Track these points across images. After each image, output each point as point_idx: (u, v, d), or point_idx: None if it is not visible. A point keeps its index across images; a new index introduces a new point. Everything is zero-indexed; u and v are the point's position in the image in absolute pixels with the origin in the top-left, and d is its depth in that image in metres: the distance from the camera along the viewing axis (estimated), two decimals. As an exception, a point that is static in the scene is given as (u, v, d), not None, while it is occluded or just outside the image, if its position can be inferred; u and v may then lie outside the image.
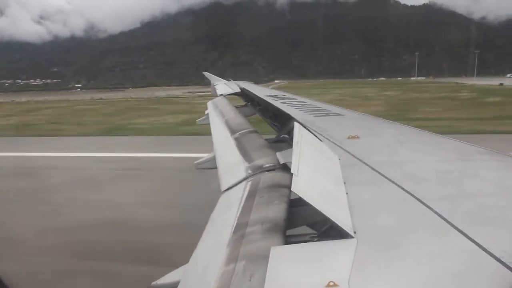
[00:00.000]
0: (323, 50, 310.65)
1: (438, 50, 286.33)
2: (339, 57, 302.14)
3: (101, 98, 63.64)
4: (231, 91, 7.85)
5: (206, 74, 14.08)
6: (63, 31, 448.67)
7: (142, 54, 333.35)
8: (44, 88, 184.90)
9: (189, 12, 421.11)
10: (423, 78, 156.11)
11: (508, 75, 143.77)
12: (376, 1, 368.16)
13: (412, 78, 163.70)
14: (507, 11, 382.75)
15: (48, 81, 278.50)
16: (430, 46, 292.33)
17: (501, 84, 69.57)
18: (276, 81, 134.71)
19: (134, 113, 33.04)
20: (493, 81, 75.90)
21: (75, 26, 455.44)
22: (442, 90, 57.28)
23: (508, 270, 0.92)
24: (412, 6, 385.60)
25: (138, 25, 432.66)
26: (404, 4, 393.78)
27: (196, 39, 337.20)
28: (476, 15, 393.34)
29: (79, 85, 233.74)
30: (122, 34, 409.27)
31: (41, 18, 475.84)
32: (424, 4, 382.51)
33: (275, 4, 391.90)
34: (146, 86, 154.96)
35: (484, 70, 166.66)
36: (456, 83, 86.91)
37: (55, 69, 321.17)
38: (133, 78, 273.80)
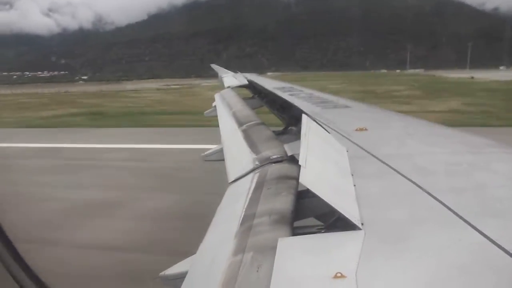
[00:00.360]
0: (328, 42, 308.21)
1: (444, 41, 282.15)
2: (344, 49, 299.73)
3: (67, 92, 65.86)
4: (238, 83, 7.85)
5: (213, 66, 14.07)
6: (72, 24, 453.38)
7: (148, 46, 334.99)
8: (50, 80, 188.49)
9: (196, 4, 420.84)
10: (421, 70, 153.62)
11: (501, 67, 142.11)
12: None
13: (409, 71, 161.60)
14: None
15: (56, 73, 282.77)
16: (437, 38, 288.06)
17: (472, 77, 70.78)
18: (269, 73, 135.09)
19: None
20: (478, 74, 75.80)
21: (83, 18, 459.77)
22: (396, 82, 59.69)
23: None
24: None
25: (145, 17, 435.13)
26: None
27: (202, 31, 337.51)
28: (488, 6, 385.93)
29: (85, 77, 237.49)
30: (129, 26, 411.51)
31: (50, 11, 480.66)
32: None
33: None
34: (151, 78, 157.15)
35: (487, 62, 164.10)
36: (433, 75, 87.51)
37: (62, 61, 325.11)
38: (138, 70, 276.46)
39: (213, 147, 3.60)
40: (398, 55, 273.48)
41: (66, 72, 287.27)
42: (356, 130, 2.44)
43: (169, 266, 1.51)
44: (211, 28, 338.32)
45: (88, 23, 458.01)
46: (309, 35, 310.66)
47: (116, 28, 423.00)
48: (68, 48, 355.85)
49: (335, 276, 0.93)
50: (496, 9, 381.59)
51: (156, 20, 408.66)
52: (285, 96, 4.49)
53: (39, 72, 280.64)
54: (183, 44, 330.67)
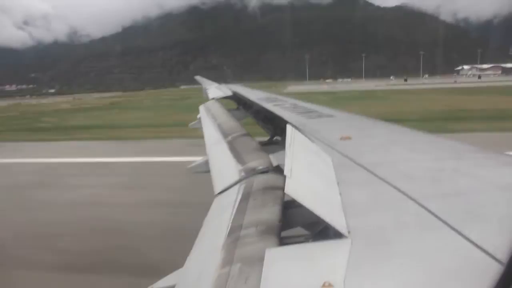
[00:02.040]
0: (292, 52, 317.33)
1: (402, 51, 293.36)
2: (308, 59, 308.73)
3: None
4: (222, 95, 7.93)
5: (197, 78, 13.95)
6: (46, 37, 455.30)
7: (118, 59, 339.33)
8: (15, 94, 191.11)
9: (168, 17, 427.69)
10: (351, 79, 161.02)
11: (391, 77, 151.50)
12: (349, 3, 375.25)
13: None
14: (489, 13, 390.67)
15: (24, 86, 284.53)
16: (395, 47, 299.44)
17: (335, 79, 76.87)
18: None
19: None
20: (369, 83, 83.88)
21: (58, 31, 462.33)
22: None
23: (501, 266, 0.93)
24: (384, 8, 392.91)
25: (120, 29, 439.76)
26: (377, 6, 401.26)
27: (171, 43, 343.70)
28: (459, 16, 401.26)
29: (52, 90, 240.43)
30: (103, 39, 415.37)
31: (24, 24, 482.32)
32: (396, 6, 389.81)
33: (248, 8, 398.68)
34: (116, 90, 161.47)
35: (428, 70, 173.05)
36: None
37: (32, 75, 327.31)
38: (107, 83, 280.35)
39: (199, 159, 3.61)
40: (357, 64, 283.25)
41: (34, 85, 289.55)
42: (341, 139, 2.45)
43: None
44: (180, 41, 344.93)
45: (64, 36, 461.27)
46: (275, 45, 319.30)
47: (90, 41, 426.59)
48: (39, 61, 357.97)
49: (323, 285, 0.94)
50: (458, 17, 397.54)
51: (129, 32, 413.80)
52: (269, 106, 4.63)
53: (7, 86, 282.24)
54: (152, 56, 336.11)
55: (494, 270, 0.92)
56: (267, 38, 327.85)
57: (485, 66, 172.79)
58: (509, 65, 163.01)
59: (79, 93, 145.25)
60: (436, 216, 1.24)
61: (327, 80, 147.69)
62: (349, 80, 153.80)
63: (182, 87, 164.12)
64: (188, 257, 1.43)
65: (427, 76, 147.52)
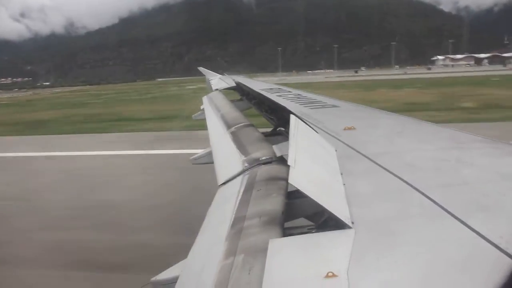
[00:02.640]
0: (287, 43, 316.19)
1: (397, 40, 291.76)
2: (302, 49, 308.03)
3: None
4: (226, 86, 7.86)
5: (201, 69, 13.77)
6: (44, 29, 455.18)
7: (113, 50, 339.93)
8: (11, 87, 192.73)
9: (164, 8, 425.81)
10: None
11: (363, 68, 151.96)
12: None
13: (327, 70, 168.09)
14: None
15: (19, 79, 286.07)
16: (390, 37, 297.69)
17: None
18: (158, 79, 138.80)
19: None
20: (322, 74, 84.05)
21: (55, 23, 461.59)
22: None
23: (505, 256, 0.93)
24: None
25: (117, 21, 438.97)
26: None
27: (167, 34, 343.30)
28: (460, 4, 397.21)
29: (47, 83, 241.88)
30: (100, 30, 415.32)
31: (21, 16, 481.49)
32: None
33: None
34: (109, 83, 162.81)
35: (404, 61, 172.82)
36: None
37: (28, 67, 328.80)
38: (101, 75, 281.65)
39: (199, 151, 3.55)
40: (353, 54, 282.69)
41: (30, 78, 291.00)
42: (345, 129, 2.44)
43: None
44: (176, 32, 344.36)
45: (61, 28, 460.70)
46: (268, 36, 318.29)
47: (87, 33, 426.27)
48: (36, 53, 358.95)
49: (327, 276, 0.95)
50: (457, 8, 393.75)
51: (126, 24, 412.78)
52: (273, 97, 4.61)
53: (3, 79, 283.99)
54: (148, 48, 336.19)
55: (499, 260, 0.93)
56: (262, 28, 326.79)
57: (458, 56, 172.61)
58: (481, 55, 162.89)
59: (70, 86, 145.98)
60: (440, 206, 1.24)
61: (293, 72, 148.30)
62: (320, 71, 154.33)
63: (159, 79, 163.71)
64: (191, 248, 1.44)
65: (397, 67, 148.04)
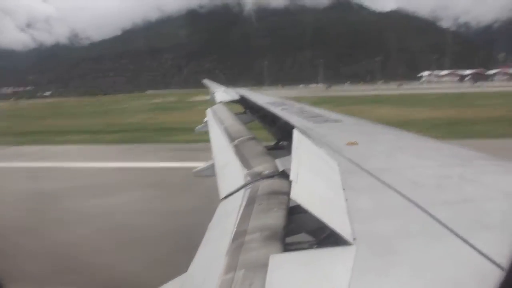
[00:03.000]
0: (286, 56, 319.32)
1: (390, 56, 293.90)
2: (301, 63, 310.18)
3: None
4: (230, 98, 7.94)
5: (205, 81, 14.05)
6: (48, 39, 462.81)
7: (114, 62, 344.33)
8: (10, 96, 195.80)
9: (168, 20, 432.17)
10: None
11: (348, 83, 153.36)
12: (344, 8, 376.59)
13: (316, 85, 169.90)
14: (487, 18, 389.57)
15: (21, 89, 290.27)
16: (387, 52, 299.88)
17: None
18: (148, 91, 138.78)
19: None
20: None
21: (60, 34, 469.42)
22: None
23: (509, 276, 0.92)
24: (379, 13, 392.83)
25: (120, 32, 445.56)
26: (372, 11, 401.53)
27: (167, 46, 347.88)
28: (459, 21, 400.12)
29: (48, 93, 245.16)
30: (103, 42, 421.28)
31: (27, 26, 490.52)
32: (391, 10, 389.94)
33: (243, 12, 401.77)
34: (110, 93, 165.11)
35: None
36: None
37: (30, 77, 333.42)
38: (102, 86, 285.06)
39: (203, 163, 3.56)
40: (350, 69, 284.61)
41: (32, 87, 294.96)
42: (347, 144, 2.45)
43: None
44: (176, 44, 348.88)
45: (65, 39, 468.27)
46: (268, 50, 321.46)
47: (90, 44, 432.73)
48: (39, 63, 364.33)
49: None
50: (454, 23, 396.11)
51: (128, 35, 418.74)
52: (277, 111, 4.63)
53: (5, 88, 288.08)
54: (148, 59, 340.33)
55: (501, 281, 0.91)
56: (261, 42, 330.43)
57: (442, 72, 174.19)
58: (466, 71, 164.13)
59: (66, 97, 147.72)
60: (442, 224, 1.23)
61: (279, 86, 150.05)
62: (311, 85, 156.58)
63: (149, 91, 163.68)
64: (192, 262, 1.43)
65: (381, 82, 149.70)
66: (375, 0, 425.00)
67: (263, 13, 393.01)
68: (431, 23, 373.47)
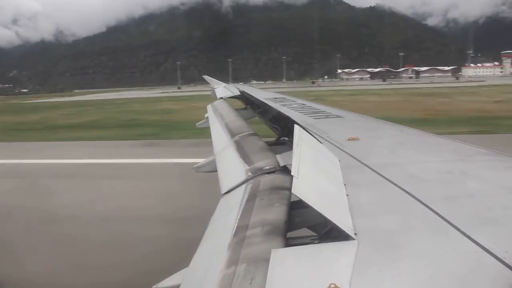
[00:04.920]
0: (260, 53, 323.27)
1: (366, 52, 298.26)
2: (275, 59, 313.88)
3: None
4: (230, 94, 7.96)
5: (205, 77, 14.35)
6: (34, 36, 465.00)
7: (94, 59, 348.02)
8: None
9: (150, 17, 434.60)
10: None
11: (253, 80, 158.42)
12: (323, 4, 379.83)
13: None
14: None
15: (0, 85, 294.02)
16: (360, 48, 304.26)
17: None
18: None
19: None
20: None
21: (45, 30, 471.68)
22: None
23: (510, 271, 0.93)
24: (357, 8, 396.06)
25: (104, 29, 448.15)
26: (351, 7, 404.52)
27: (147, 44, 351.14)
28: (437, 18, 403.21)
29: (25, 90, 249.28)
30: (87, 39, 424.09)
31: (12, 23, 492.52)
32: (370, 7, 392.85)
33: (221, 8, 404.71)
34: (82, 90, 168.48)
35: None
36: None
37: (11, 74, 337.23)
38: (80, 83, 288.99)
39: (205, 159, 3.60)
40: (323, 65, 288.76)
41: (11, 85, 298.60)
42: (348, 139, 2.44)
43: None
44: (155, 41, 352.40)
45: (50, 35, 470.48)
46: (244, 46, 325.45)
47: (73, 41, 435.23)
48: (21, 60, 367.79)
49: (329, 287, 0.95)
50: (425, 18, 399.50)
51: (112, 32, 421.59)
52: (277, 106, 4.54)
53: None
54: (127, 56, 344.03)
55: (503, 275, 0.92)
56: (238, 39, 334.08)
57: (352, 70, 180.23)
58: (375, 69, 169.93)
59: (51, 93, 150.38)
60: (444, 218, 1.24)
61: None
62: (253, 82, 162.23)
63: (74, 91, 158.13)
64: (193, 257, 1.44)
65: (322, 79, 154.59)
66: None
67: (242, 9, 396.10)
68: (409, 19, 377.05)
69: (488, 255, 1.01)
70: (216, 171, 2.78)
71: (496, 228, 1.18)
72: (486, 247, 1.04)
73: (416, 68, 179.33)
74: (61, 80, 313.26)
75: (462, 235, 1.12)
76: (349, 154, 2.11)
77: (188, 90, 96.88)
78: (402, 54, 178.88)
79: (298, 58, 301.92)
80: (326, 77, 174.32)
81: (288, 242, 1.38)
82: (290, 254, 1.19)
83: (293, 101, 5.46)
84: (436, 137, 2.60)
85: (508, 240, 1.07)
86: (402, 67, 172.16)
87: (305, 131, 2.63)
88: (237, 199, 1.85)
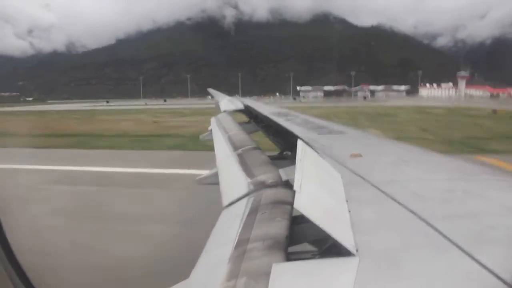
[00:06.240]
0: (260, 69, 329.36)
1: (363, 70, 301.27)
2: (273, 75, 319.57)
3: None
4: (234, 108, 7.92)
5: (210, 90, 14.26)
6: (47, 47, 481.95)
7: (99, 70, 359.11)
8: None
9: (158, 31, 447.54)
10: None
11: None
12: (324, 23, 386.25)
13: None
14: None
15: (7, 94, 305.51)
16: (357, 66, 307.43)
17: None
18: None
19: None
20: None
21: (58, 41, 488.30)
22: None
23: None
24: (358, 27, 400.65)
25: (113, 41, 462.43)
26: (353, 26, 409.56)
27: (151, 57, 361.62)
28: (441, 39, 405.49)
29: (30, 99, 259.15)
30: (96, 50, 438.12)
31: (27, 34, 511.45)
32: (371, 26, 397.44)
33: (225, 25, 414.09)
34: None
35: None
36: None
37: (20, 83, 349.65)
38: (84, 93, 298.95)
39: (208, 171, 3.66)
40: (320, 81, 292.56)
41: (18, 93, 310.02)
42: (351, 156, 2.44)
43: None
44: (159, 54, 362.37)
45: (62, 46, 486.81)
46: (243, 62, 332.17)
47: (83, 52, 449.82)
48: (30, 70, 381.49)
49: None
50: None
51: (120, 45, 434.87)
52: (281, 121, 4.60)
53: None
54: (131, 68, 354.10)
55: None
56: (238, 54, 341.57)
57: (310, 88, 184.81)
58: (331, 87, 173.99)
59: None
60: (446, 237, 1.23)
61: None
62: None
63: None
64: (193, 269, 1.44)
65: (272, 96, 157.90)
66: (360, 14, 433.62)
67: (245, 26, 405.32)
68: (410, 38, 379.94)
69: (490, 275, 1.00)
70: (218, 183, 2.75)
71: (498, 248, 1.17)
72: (488, 266, 1.03)
73: (371, 87, 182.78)
74: (66, 90, 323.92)
75: (464, 254, 1.11)
76: (351, 171, 2.11)
77: (162, 104, 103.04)
78: (353, 73, 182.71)
79: (296, 74, 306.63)
80: (277, 94, 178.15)
81: (289, 257, 1.38)
82: (290, 268, 1.19)
83: (296, 116, 5.63)
84: (439, 155, 2.60)
85: (510, 260, 1.06)
86: (358, 86, 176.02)
87: (308, 146, 2.63)
88: (239, 212, 1.85)
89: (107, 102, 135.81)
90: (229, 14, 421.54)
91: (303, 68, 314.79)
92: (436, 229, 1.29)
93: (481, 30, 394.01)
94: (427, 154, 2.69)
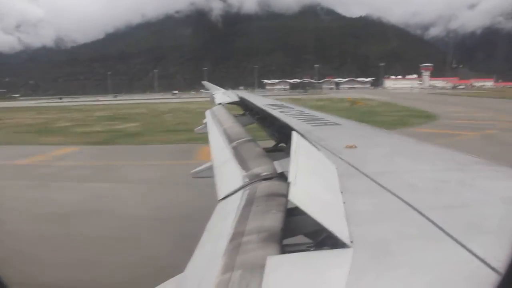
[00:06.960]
0: (247, 62, 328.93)
1: (349, 61, 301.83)
2: (260, 68, 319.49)
3: None
4: (229, 100, 7.88)
5: (204, 83, 13.94)
6: (36, 42, 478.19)
7: (86, 65, 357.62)
8: None
9: (147, 25, 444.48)
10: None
11: (174, 91, 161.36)
12: (312, 14, 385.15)
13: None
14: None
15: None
16: (344, 57, 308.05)
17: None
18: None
19: None
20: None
21: (47, 36, 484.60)
22: None
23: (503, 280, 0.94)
24: (346, 18, 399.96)
25: (102, 36, 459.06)
26: (341, 17, 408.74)
27: (139, 51, 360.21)
28: (431, 29, 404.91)
29: (17, 95, 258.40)
30: (85, 45, 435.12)
31: (15, 29, 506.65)
32: (359, 16, 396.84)
33: (211, 17, 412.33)
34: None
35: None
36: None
37: (7, 79, 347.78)
38: (71, 89, 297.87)
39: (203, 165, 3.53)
40: (306, 72, 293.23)
41: (5, 90, 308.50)
42: (346, 147, 2.45)
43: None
44: (147, 49, 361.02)
45: (51, 42, 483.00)
46: (232, 54, 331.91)
47: (72, 47, 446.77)
48: (18, 66, 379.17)
49: None
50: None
51: (109, 40, 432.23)
52: (276, 113, 4.56)
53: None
54: (119, 63, 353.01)
55: (496, 284, 0.93)
56: (226, 47, 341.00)
57: (275, 81, 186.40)
58: (297, 80, 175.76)
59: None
60: (439, 227, 1.25)
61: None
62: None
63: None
64: (188, 262, 1.43)
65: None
66: (350, 6, 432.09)
67: (233, 18, 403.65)
68: (398, 29, 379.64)
69: (483, 264, 1.01)
70: (213, 176, 2.73)
71: (491, 238, 1.19)
72: (481, 256, 1.04)
73: (336, 79, 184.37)
74: (53, 85, 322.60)
75: (457, 244, 1.13)
76: (346, 162, 2.12)
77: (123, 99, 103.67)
78: (317, 65, 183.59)
79: (280, 67, 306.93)
80: (241, 87, 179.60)
81: (284, 249, 1.38)
82: (285, 261, 1.20)
83: (291, 108, 5.61)
84: (433, 146, 2.63)
85: (502, 250, 1.06)
86: (323, 79, 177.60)
87: (303, 138, 2.63)
88: (234, 205, 1.86)
89: (60, 98, 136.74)
90: (217, 7, 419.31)
91: (288, 60, 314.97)
92: (430, 220, 1.31)
93: (471, 21, 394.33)
94: (421, 145, 2.70)
